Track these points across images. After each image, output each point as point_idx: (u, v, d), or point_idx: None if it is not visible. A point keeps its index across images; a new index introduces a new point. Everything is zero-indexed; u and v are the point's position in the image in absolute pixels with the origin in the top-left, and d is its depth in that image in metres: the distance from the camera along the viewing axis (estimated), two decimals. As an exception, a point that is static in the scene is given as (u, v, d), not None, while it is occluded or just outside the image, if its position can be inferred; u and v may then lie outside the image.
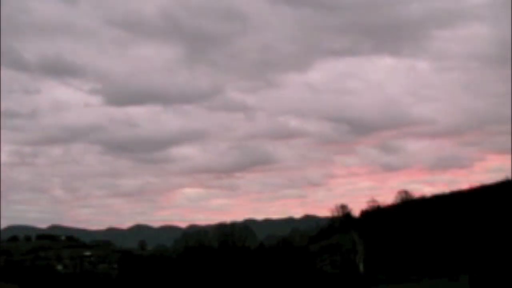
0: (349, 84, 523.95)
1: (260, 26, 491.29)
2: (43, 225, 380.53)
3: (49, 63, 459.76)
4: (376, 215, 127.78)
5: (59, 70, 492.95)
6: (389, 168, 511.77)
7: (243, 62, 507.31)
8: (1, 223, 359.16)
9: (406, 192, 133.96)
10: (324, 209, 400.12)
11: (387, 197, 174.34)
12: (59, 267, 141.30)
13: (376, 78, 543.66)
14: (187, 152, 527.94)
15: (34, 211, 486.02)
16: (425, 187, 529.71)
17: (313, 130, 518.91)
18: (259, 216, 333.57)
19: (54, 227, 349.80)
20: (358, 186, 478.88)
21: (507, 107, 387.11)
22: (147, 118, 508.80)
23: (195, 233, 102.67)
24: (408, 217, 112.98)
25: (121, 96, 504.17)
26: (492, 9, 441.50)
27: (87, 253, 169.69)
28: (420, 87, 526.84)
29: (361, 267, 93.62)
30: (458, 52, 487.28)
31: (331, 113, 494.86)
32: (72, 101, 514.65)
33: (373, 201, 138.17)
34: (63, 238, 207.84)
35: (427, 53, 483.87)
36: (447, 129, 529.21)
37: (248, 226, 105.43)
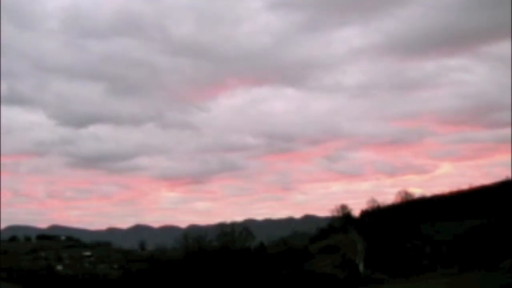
0: (264, 108, 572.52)
1: (168, 70, 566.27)
2: (43, 225, 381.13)
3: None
4: (375, 215, 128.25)
5: (13, 101, 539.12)
6: (350, 174, 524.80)
7: (168, 94, 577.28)
8: (1, 223, 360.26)
9: (406, 193, 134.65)
10: (311, 210, 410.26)
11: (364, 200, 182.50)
12: (59, 267, 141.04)
13: (287, 104, 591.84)
14: (153, 162, 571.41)
15: (29, 213, 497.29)
16: (399, 189, 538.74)
17: (259, 144, 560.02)
18: (245, 217, 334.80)
19: (54, 227, 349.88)
20: (332, 190, 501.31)
21: (427, 125, 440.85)
22: (106, 136, 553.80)
23: (195, 233, 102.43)
24: (408, 217, 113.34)
25: (74, 119, 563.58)
26: (368, 51, 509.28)
27: (87, 253, 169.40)
28: (335, 110, 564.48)
29: (361, 267, 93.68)
30: (349, 84, 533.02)
31: (264, 130, 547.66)
32: (36, 123, 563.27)
33: (373, 201, 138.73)
34: (63, 238, 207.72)
35: (324, 86, 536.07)
36: (387, 141, 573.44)
37: (247, 226, 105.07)
